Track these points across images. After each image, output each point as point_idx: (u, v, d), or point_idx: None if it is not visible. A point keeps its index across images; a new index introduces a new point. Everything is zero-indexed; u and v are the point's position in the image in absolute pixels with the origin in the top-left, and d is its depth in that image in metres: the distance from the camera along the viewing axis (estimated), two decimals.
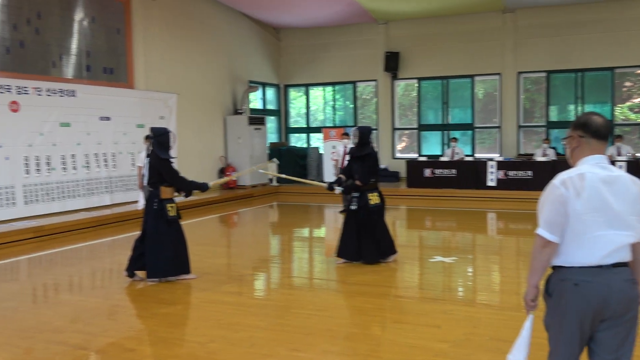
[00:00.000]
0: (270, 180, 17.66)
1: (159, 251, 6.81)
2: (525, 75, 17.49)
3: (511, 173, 14.83)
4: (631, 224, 2.67)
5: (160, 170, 6.82)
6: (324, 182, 8.46)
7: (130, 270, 6.99)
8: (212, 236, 10.97)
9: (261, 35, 19.22)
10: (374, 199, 7.52)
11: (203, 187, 7.17)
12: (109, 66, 13.28)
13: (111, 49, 13.34)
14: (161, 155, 6.83)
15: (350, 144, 12.68)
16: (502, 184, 14.77)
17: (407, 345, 4.74)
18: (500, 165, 15.04)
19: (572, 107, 17.20)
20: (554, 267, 2.79)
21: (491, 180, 15.05)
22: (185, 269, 7.04)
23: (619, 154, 14.35)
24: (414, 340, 4.83)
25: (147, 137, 11.08)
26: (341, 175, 7.80)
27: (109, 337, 5.08)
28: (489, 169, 15.11)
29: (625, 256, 2.69)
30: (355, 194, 7.58)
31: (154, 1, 14.32)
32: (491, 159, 15.44)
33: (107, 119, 12.82)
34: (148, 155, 7.04)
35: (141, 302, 6.26)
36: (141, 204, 11.07)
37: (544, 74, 17.22)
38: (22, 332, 5.24)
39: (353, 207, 7.57)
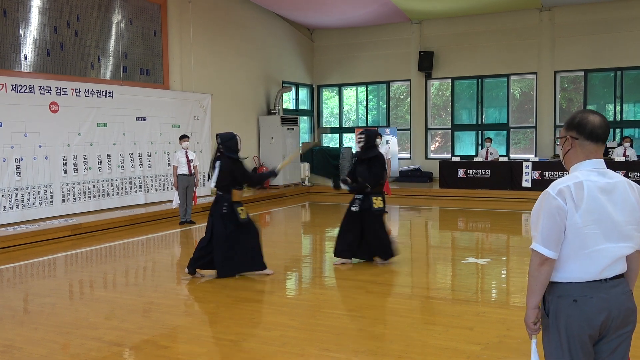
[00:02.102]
0: (303, 180, 17.73)
1: (228, 252, 6.96)
2: (562, 74, 17.18)
3: (547, 174, 14.59)
4: (630, 234, 2.48)
5: (235, 173, 6.97)
6: (331, 181, 8.35)
7: (192, 268, 7.12)
8: None
9: (295, 36, 19.29)
10: (377, 202, 7.50)
11: (273, 174, 7.48)
12: (145, 67, 13.50)
13: (147, 50, 13.56)
14: (234, 157, 7.02)
15: (381, 144, 12.63)
16: (537, 185, 14.51)
17: (439, 347, 4.70)
18: (536, 165, 14.81)
19: (610, 106, 16.82)
20: (550, 284, 2.55)
21: (526, 182, 14.83)
22: (259, 266, 7.17)
23: (625, 155, 13.96)
24: (446, 342, 4.79)
25: (182, 137, 11.26)
26: (347, 177, 7.76)
27: (143, 334, 5.16)
28: (524, 170, 14.89)
29: (623, 268, 2.51)
30: (359, 197, 7.56)
31: (190, 3, 14.51)
32: (526, 160, 15.21)
33: (143, 119, 13.04)
34: (217, 160, 7.10)
35: (175, 300, 6.34)
36: (175, 203, 11.23)
37: (581, 73, 16.89)
38: (59, 327, 5.36)
39: (354, 209, 7.56)
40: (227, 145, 7.05)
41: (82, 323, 5.47)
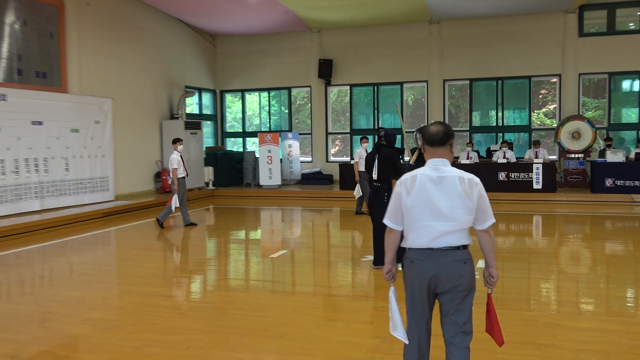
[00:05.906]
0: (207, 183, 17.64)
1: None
2: (450, 82, 18.26)
3: None
4: (451, 215, 3.18)
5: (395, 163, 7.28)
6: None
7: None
8: (147, 240, 10.90)
9: (197, 42, 19.19)
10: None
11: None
12: (41, 70, 13.01)
13: (44, 52, 13.07)
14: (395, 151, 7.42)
15: (369, 148, 12.83)
16: None
17: (340, 342, 4.93)
18: None
19: (493, 112, 18.11)
20: (404, 248, 3.36)
21: None
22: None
23: (537, 157, 15.39)
24: (347, 337, 5.02)
25: (177, 141, 11.23)
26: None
27: (41, 345, 5.00)
28: None
29: (455, 241, 3.21)
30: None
31: (89, 5, 14.12)
32: None
33: (40, 123, 12.56)
34: (376, 153, 7.36)
35: (73, 309, 6.15)
36: (174, 206, 11.14)
37: (467, 82, 18.03)
38: None
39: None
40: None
41: None
